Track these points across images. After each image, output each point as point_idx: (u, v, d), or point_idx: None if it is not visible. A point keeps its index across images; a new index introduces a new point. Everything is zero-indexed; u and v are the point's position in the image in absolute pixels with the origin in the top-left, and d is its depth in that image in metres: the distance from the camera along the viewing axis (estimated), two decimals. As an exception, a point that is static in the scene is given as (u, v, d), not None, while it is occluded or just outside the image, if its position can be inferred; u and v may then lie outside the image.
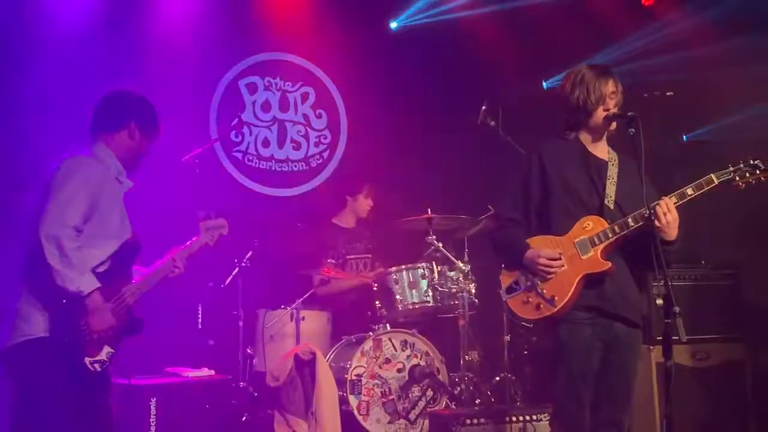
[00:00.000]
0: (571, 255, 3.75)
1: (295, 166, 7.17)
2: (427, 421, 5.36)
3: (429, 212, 5.96)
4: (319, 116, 7.29)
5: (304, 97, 7.25)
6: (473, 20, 7.13)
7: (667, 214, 3.63)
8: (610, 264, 3.71)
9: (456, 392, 5.62)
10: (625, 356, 3.83)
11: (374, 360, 5.52)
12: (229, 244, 5.44)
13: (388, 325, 5.71)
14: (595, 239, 3.74)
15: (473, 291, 5.77)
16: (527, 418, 4.81)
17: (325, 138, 7.29)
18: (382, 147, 7.13)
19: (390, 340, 5.60)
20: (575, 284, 3.72)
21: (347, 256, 6.22)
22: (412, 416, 5.48)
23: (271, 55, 7.17)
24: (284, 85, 7.19)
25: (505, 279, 3.92)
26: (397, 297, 5.80)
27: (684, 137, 7.07)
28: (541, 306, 3.76)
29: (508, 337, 5.89)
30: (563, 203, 3.82)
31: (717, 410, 5.66)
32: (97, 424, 3.57)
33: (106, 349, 3.54)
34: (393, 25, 7.34)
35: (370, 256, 6.26)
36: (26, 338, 3.41)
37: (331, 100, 7.34)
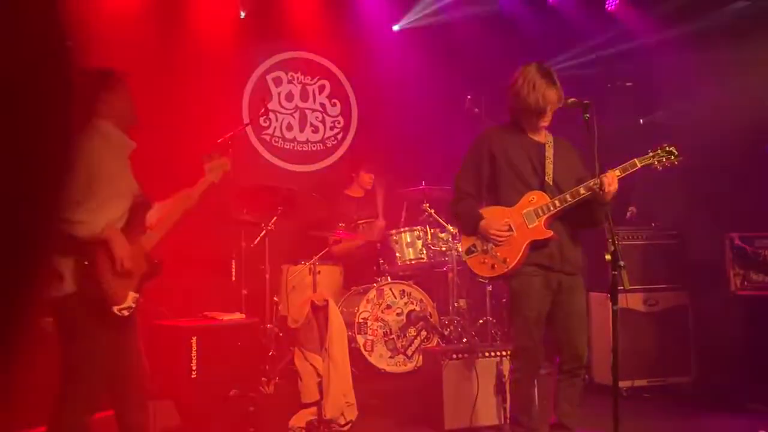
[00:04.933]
0: (519, 224, 3.83)
1: (314, 146, 7.18)
2: (421, 356, 5.42)
3: (424, 184, 6.00)
4: (334, 105, 7.28)
5: (321, 88, 7.24)
6: (462, 22, 7.09)
7: (612, 184, 3.69)
8: (551, 232, 3.80)
9: (446, 333, 5.67)
10: (571, 298, 3.91)
11: (377, 306, 5.57)
12: (259, 211, 5.53)
13: (389, 277, 5.75)
14: (539, 211, 3.82)
15: (460, 249, 5.78)
16: (504, 353, 4.85)
17: (339, 123, 7.29)
18: (385, 130, 7.14)
19: (391, 289, 5.64)
20: (523, 248, 3.82)
21: (358, 221, 6.25)
22: (409, 352, 5.53)
23: (293, 53, 7.15)
24: (304, 79, 7.18)
25: (464, 243, 4.03)
26: (397, 254, 5.84)
27: (641, 120, 7.05)
28: (495, 266, 3.87)
29: (490, 288, 5.91)
30: (510, 180, 3.88)
31: (666, 347, 5.71)
32: (128, 363, 3.49)
33: (132, 295, 3.38)
34: (395, 27, 7.30)
35: (373, 219, 6.29)
36: (63, 293, 3.26)
37: (344, 91, 7.33)
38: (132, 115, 3.59)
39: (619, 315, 3.52)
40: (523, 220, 3.83)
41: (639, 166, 3.75)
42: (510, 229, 3.83)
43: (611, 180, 3.70)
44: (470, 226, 3.94)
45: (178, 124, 5.95)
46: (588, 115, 3.67)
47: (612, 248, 3.47)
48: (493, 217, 3.87)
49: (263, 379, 5.00)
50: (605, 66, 6.95)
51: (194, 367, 4.40)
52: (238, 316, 4.84)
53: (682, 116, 6.48)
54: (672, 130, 6.58)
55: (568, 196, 3.77)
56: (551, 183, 3.85)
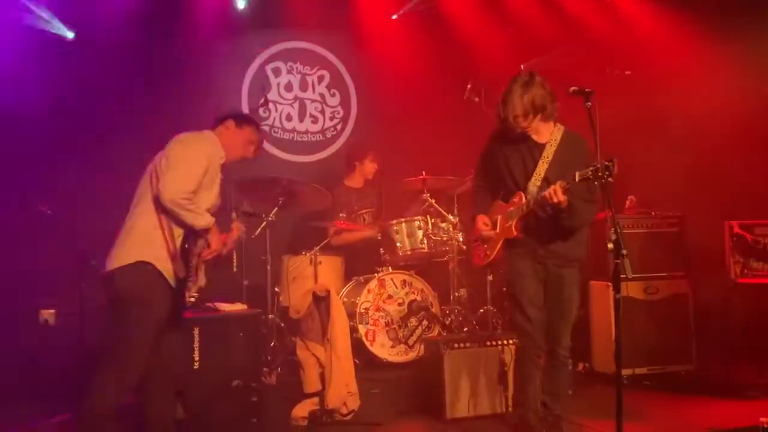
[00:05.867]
0: (502, 221, 4.16)
1: (314, 136, 7.15)
2: (422, 346, 5.41)
3: (424, 174, 5.97)
4: (333, 95, 7.24)
5: (321, 78, 7.20)
6: (461, 10, 7.04)
7: (554, 197, 3.83)
8: (516, 233, 4.06)
9: (447, 322, 5.66)
10: (558, 287, 4.11)
11: (379, 296, 5.55)
12: (260, 202, 5.50)
13: (390, 267, 5.73)
14: (515, 212, 4.08)
15: (461, 239, 5.77)
16: (504, 342, 4.86)
17: (338, 113, 7.25)
18: (385, 120, 7.11)
19: (392, 279, 5.62)
20: (499, 245, 4.16)
21: (358, 212, 6.21)
22: (410, 342, 5.52)
23: (292, 43, 7.11)
24: (304, 69, 7.14)
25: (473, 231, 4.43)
26: (398, 245, 5.82)
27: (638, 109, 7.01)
28: (482, 256, 4.28)
29: (490, 277, 5.90)
30: (504, 179, 4.16)
31: (666, 335, 5.71)
32: (167, 353, 3.69)
33: (203, 279, 3.77)
34: (394, 16, 7.25)
35: (373, 209, 6.26)
36: (150, 262, 3.54)
37: (343, 82, 7.28)
38: (235, 155, 3.99)
39: (621, 303, 3.51)
40: (505, 219, 4.13)
41: (577, 180, 3.76)
42: (494, 226, 4.16)
43: (552, 193, 3.83)
44: (474, 215, 4.29)
45: (178, 114, 5.91)
46: (590, 104, 3.66)
47: (614, 237, 3.46)
48: (496, 210, 4.20)
49: (265, 369, 4.99)
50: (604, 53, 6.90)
51: (196, 358, 4.39)
52: (239, 306, 4.83)
53: (681, 103, 6.45)
54: (672, 118, 6.56)
55: (531, 201, 3.99)
56: (538, 184, 4.03)
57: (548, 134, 4.08)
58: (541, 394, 4.18)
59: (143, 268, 3.51)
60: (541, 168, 4.03)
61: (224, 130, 3.96)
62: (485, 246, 4.25)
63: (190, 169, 3.61)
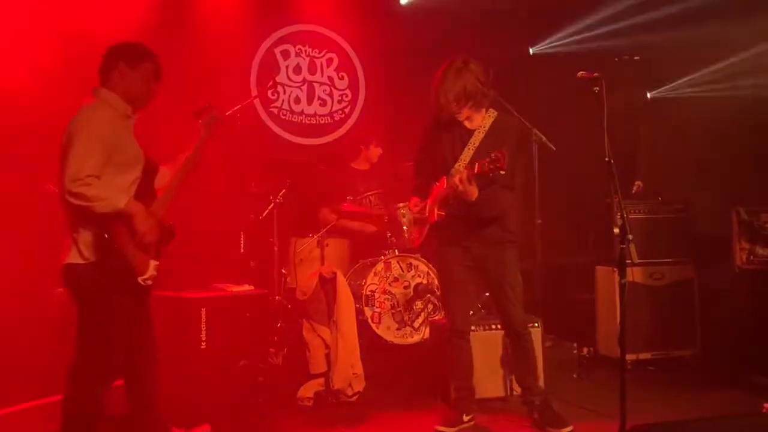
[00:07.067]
0: (431, 205, 4.19)
1: (322, 119, 7.11)
2: (427, 328, 5.41)
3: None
4: (342, 78, 7.20)
5: (329, 61, 7.16)
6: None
7: (459, 185, 3.87)
8: (433, 218, 4.14)
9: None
10: (496, 269, 4.17)
11: (385, 279, 5.55)
12: (267, 184, 5.49)
13: (396, 250, 5.72)
14: (438, 196, 4.13)
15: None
16: (509, 326, 4.85)
17: (347, 96, 7.22)
18: (392, 103, 7.06)
19: (398, 262, 5.62)
20: (425, 230, 4.28)
21: (364, 193, 6.20)
22: (415, 325, 5.52)
23: (301, 26, 7.05)
24: (312, 52, 7.09)
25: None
26: (404, 227, 5.80)
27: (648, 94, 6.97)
28: (416, 239, 4.43)
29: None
30: (435, 164, 4.21)
31: (671, 320, 5.69)
32: (142, 333, 3.52)
33: (153, 263, 3.38)
34: (403, 1, 7.19)
35: (380, 190, 6.23)
36: (81, 262, 3.26)
37: (352, 65, 7.23)
38: (143, 98, 3.53)
39: (626, 288, 3.48)
40: (432, 203, 4.18)
41: (475, 171, 3.83)
42: (423, 209, 4.23)
43: (457, 180, 3.87)
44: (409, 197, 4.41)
45: (186, 97, 5.88)
46: (597, 89, 3.62)
47: (620, 222, 3.42)
48: (429, 195, 4.24)
49: (272, 350, 5.01)
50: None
51: (204, 338, 4.40)
52: (246, 287, 4.83)
53: (689, 90, 6.39)
54: (680, 104, 6.51)
55: (449, 187, 4.03)
56: (461, 169, 4.06)
57: (480, 120, 4.13)
58: (520, 379, 4.34)
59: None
60: (467, 154, 4.08)
61: (118, 77, 3.44)
62: (414, 230, 4.39)
63: (86, 147, 3.18)
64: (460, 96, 3.99)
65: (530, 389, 4.25)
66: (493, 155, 3.68)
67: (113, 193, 3.23)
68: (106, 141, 3.25)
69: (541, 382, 4.64)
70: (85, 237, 3.26)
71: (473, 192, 3.88)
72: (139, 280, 3.33)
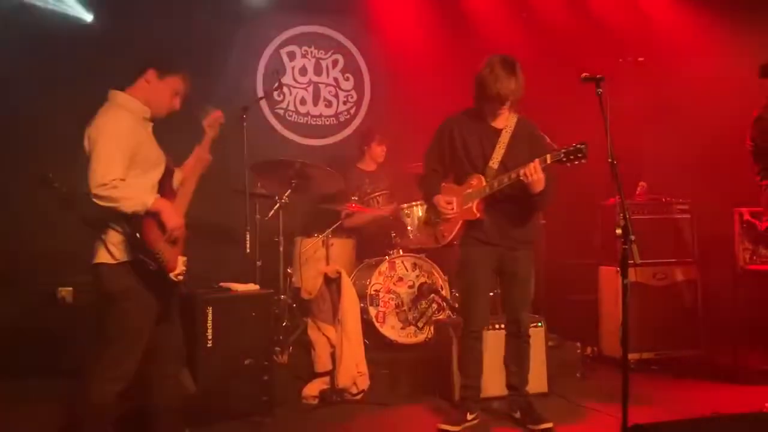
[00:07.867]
0: (459, 203, 4.21)
1: (327, 120, 7.14)
2: (432, 328, 5.42)
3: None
4: (347, 79, 7.22)
5: (335, 63, 7.18)
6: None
7: (533, 174, 3.88)
8: (478, 215, 4.14)
9: (456, 305, 5.65)
10: (514, 269, 4.22)
11: (389, 278, 5.56)
12: (273, 184, 5.49)
13: (401, 250, 5.73)
14: (474, 194, 4.15)
15: (417, 219, 5.80)
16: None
17: (352, 97, 7.24)
18: (398, 104, 7.08)
19: (402, 262, 5.62)
20: (457, 227, 4.22)
21: (371, 194, 6.21)
22: (420, 324, 5.53)
23: (307, 28, 7.08)
24: (318, 53, 7.11)
25: (425, 214, 4.58)
26: (408, 228, 5.82)
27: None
28: (437, 238, 4.35)
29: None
30: (461, 162, 4.23)
31: (674, 320, 5.70)
32: (168, 331, 3.55)
33: (182, 259, 3.43)
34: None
35: (387, 191, 6.24)
36: (111, 261, 3.28)
37: (357, 66, 7.25)
38: (162, 109, 3.53)
39: (629, 288, 3.49)
40: (462, 200, 4.19)
41: (549, 161, 3.87)
42: (453, 205, 4.21)
43: (531, 170, 3.87)
44: (428, 197, 4.35)
45: (193, 97, 5.90)
46: (600, 90, 3.62)
47: (623, 222, 3.44)
48: (447, 193, 4.26)
49: (277, 348, 5.01)
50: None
51: (210, 337, 4.41)
52: (252, 287, 4.83)
53: (693, 90, 6.38)
54: (684, 105, 6.50)
55: (495, 183, 4.05)
56: (495, 168, 4.11)
57: (504, 120, 4.18)
58: (510, 378, 4.38)
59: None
60: (499, 152, 4.13)
61: (144, 84, 3.46)
62: (442, 227, 4.30)
63: (109, 151, 3.19)
64: (515, 92, 4.04)
65: (517, 390, 4.35)
66: (578, 144, 3.73)
67: (140, 192, 3.28)
68: (129, 144, 3.28)
69: (544, 382, 4.66)
70: (113, 237, 3.29)
71: (543, 181, 3.92)
72: (171, 276, 3.36)
